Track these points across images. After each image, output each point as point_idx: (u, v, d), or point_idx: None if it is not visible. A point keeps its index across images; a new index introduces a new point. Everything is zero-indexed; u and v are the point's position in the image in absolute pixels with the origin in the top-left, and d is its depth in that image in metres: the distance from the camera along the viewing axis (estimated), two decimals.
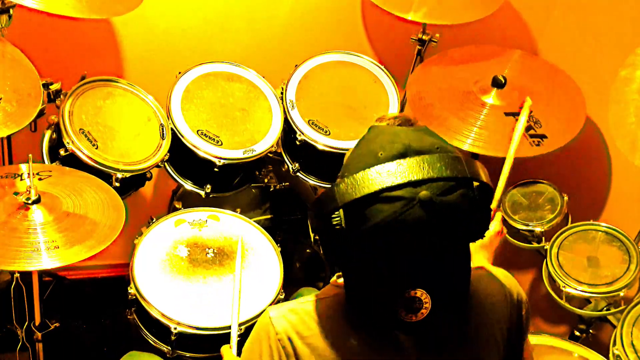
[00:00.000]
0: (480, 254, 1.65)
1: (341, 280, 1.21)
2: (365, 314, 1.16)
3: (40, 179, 1.91)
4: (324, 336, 1.17)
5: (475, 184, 1.10)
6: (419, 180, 1.04)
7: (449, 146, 1.11)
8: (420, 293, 1.11)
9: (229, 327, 1.85)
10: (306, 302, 1.21)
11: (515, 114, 2.24)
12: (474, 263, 1.56)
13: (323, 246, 1.15)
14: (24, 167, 1.95)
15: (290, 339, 1.17)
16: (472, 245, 1.49)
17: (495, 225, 1.75)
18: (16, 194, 1.84)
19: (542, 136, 2.25)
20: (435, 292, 1.12)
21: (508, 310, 1.28)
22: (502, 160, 1.95)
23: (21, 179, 1.92)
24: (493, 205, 1.76)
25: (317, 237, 1.18)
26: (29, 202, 1.80)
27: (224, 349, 1.65)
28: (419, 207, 1.04)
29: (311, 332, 1.17)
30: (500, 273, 1.33)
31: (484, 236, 1.16)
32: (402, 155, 1.07)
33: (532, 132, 2.26)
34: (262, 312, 1.91)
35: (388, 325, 1.15)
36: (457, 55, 2.55)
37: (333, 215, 1.08)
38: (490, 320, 1.26)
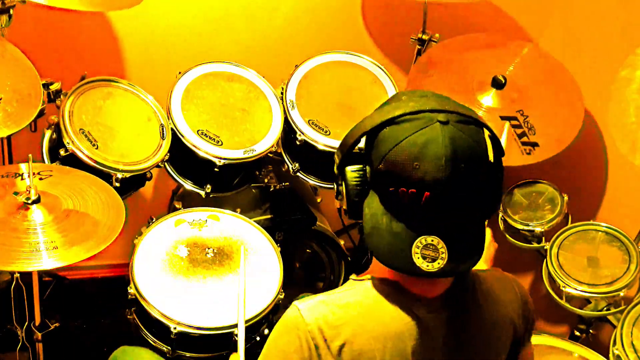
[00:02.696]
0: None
1: (359, 277, 1.23)
2: (385, 260, 1.16)
3: (40, 179, 1.91)
4: (354, 324, 1.18)
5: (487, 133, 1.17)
6: (438, 109, 1.13)
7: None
8: (436, 241, 1.12)
9: (229, 327, 1.85)
10: (332, 294, 1.23)
11: (513, 119, 2.25)
12: None
13: (347, 187, 1.18)
14: (24, 167, 1.95)
15: (321, 330, 1.17)
16: None
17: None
18: (16, 193, 1.84)
19: (534, 144, 2.25)
20: (451, 243, 1.13)
21: (520, 309, 1.32)
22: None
23: (22, 179, 1.92)
24: None
25: (340, 186, 1.21)
26: (29, 202, 1.80)
27: (233, 358, 1.65)
28: (438, 124, 1.11)
29: (342, 321, 1.18)
30: (510, 277, 1.36)
31: (501, 198, 1.23)
32: (423, 96, 1.18)
33: (524, 139, 2.26)
34: (262, 313, 1.92)
35: (409, 270, 1.14)
36: (459, 47, 2.51)
37: (355, 150, 1.19)
38: (504, 317, 1.29)
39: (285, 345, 1.19)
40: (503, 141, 2.04)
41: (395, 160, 1.12)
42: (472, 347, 1.26)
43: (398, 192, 1.12)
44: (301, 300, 1.22)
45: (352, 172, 1.19)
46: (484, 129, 1.18)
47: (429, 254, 1.12)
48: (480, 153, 1.15)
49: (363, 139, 1.20)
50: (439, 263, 1.12)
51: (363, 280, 1.24)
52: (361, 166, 1.18)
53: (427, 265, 1.12)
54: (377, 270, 1.24)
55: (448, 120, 1.12)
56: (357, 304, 1.20)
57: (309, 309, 1.19)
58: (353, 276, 1.28)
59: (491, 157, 1.16)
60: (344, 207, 1.21)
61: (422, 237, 1.13)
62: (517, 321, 1.31)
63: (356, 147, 1.21)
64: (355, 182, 1.18)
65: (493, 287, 1.30)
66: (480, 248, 1.18)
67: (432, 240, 1.12)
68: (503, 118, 2.30)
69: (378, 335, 1.18)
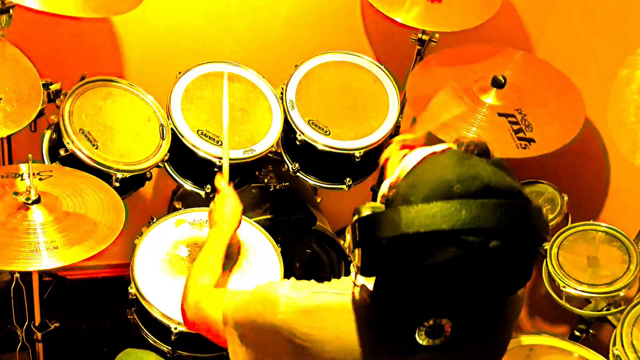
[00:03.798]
0: None
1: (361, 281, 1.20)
2: (384, 325, 1.15)
3: (40, 179, 1.91)
4: (331, 330, 1.17)
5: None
6: (494, 230, 0.99)
7: (524, 188, 1.06)
8: (445, 322, 1.09)
9: None
10: (321, 293, 1.22)
11: (511, 116, 2.26)
12: None
13: (363, 259, 1.06)
14: (24, 167, 1.95)
15: (292, 329, 1.18)
16: None
17: None
18: (16, 194, 1.84)
19: (531, 140, 2.25)
20: (458, 321, 1.10)
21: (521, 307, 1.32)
22: None
23: (21, 179, 1.92)
24: None
25: (353, 249, 1.09)
26: (29, 202, 1.80)
27: (218, 179, 1.72)
28: (485, 255, 1.00)
29: (317, 324, 1.18)
30: None
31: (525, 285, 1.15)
32: (481, 195, 1.00)
33: (521, 135, 2.26)
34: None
35: (399, 345, 1.14)
36: (457, 54, 2.55)
37: (383, 237, 1.02)
38: (508, 326, 1.28)
39: (255, 314, 1.24)
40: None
41: (427, 275, 1.03)
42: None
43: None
44: (291, 286, 1.24)
45: (373, 256, 1.06)
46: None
47: (432, 332, 1.09)
48: (517, 271, 1.08)
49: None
50: (440, 340, 1.10)
51: (357, 286, 1.20)
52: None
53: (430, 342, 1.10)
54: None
55: (499, 248, 1.00)
56: (343, 313, 1.18)
57: (290, 301, 1.20)
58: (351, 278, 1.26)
59: (528, 267, 1.09)
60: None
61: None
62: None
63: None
64: (373, 263, 1.07)
65: None
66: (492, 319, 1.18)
67: (442, 322, 1.09)
68: (501, 115, 2.30)
69: (361, 348, 1.16)
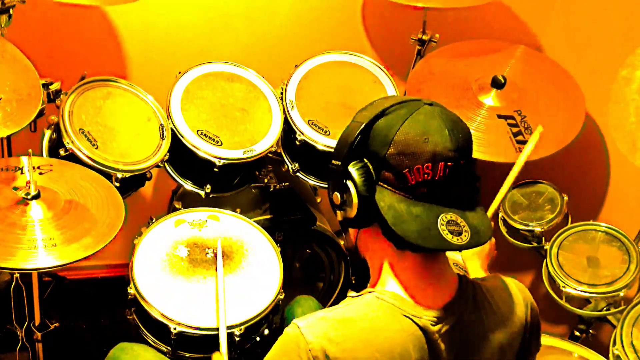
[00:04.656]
0: (474, 262, 1.66)
1: (358, 294, 1.22)
2: (416, 244, 1.16)
3: (40, 173, 1.90)
4: (358, 339, 1.16)
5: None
6: (420, 99, 1.22)
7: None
8: (454, 216, 1.16)
9: (230, 327, 1.85)
10: (332, 310, 1.20)
11: (510, 117, 2.25)
12: (470, 270, 1.60)
13: (356, 185, 1.18)
14: (25, 160, 1.93)
15: (323, 348, 1.14)
16: (466, 252, 1.55)
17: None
18: (16, 188, 1.83)
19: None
20: (466, 218, 1.17)
21: (525, 314, 1.32)
22: (498, 164, 1.96)
23: (21, 173, 1.91)
24: (489, 214, 1.77)
25: (345, 191, 1.20)
26: (29, 197, 1.79)
27: (216, 357, 1.65)
28: (427, 105, 1.19)
29: (345, 337, 1.16)
30: (512, 282, 1.36)
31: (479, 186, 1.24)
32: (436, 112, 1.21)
33: (519, 137, 2.26)
34: (262, 313, 1.92)
35: (447, 247, 1.16)
36: (458, 50, 2.54)
37: (354, 163, 1.18)
38: (509, 325, 1.29)
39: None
40: (532, 145, 1.96)
41: (406, 139, 1.15)
42: (478, 358, 1.25)
43: (413, 171, 1.14)
44: (301, 318, 1.19)
45: (358, 169, 1.18)
46: None
47: (453, 229, 1.15)
48: (466, 127, 1.21)
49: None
50: (465, 236, 1.15)
51: (362, 295, 1.22)
52: (364, 162, 1.18)
53: (457, 240, 1.15)
54: (377, 283, 1.24)
55: (432, 103, 1.20)
56: (359, 319, 1.18)
57: (310, 327, 1.16)
58: (351, 293, 1.26)
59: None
60: (353, 213, 1.19)
61: (442, 214, 1.16)
62: (522, 327, 1.31)
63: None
64: (363, 177, 1.18)
65: (496, 296, 1.29)
66: (487, 220, 1.22)
67: (451, 217, 1.16)
68: (500, 117, 2.30)
69: (383, 349, 1.16)
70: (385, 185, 1.17)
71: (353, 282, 2.55)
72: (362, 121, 1.19)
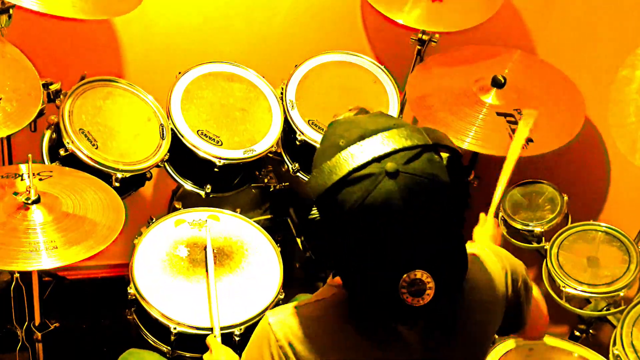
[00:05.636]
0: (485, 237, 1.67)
1: (338, 278, 1.20)
2: (370, 308, 1.13)
3: (40, 179, 1.91)
4: (326, 338, 1.16)
5: (445, 155, 1.12)
6: (382, 155, 1.06)
7: (406, 123, 1.14)
8: (420, 274, 1.07)
9: (229, 327, 1.85)
10: (305, 305, 1.20)
11: (509, 115, 2.25)
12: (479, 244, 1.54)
13: (310, 246, 1.14)
14: (23, 168, 1.95)
15: (291, 344, 1.15)
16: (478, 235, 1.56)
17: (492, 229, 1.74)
18: (16, 194, 1.84)
19: (529, 140, 2.25)
20: (435, 271, 1.08)
21: (506, 280, 1.29)
22: (501, 159, 1.95)
23: (21, 179, 1.92)
24: (490, 212, 1.77)
25: (303, 240, 1.17)
26: (29, 202, 1.80)
27: (210, 339, 1.67)
28: (387, 179, 1.04)
29: (312, 335, 1.16)
30: (489, 256, 1.31)
31: (469, 206, 1.15)
32: (361, 137, 1.09)
33: None
34: (262, 313, 1.92)
35: (395, 315, 1.12)
36: (457, 55, 2.56)
37: (312, 213, 1.10)
38: (489, 298, 1.26)
39: (259, 357, 1.19)
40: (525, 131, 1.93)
41: (362, 221, 1.06)
42: (458, 349, 1.23)
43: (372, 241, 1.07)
44: (274, 310, 1.20)
45: (313, 237, 1.13)
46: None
47: (414, 289, 1.08)
48: (437, 185, 1.08)
49: None
50: (428, 294, 1.08)
51: (337, 286, 1.20)
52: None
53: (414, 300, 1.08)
54: None
55: (397, 171, 1.04)
56: (330, 317, 1.18)
57: (279, 323, 1.17)
58: (330, 278, 1.25)
59: (446, 178, 1.09)
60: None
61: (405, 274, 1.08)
62: (504, 294, 1.28)
63: None
64: (319, 244, 1.13)
65: (471, 273, 1.22)
66: (463, 262, 1.14)
67: (416, 275, 1.07)
68: (499, 114, 2.30)
69: (354, 348, 1.16)
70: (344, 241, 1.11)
71: None
72: (319, 191, 1.08)
